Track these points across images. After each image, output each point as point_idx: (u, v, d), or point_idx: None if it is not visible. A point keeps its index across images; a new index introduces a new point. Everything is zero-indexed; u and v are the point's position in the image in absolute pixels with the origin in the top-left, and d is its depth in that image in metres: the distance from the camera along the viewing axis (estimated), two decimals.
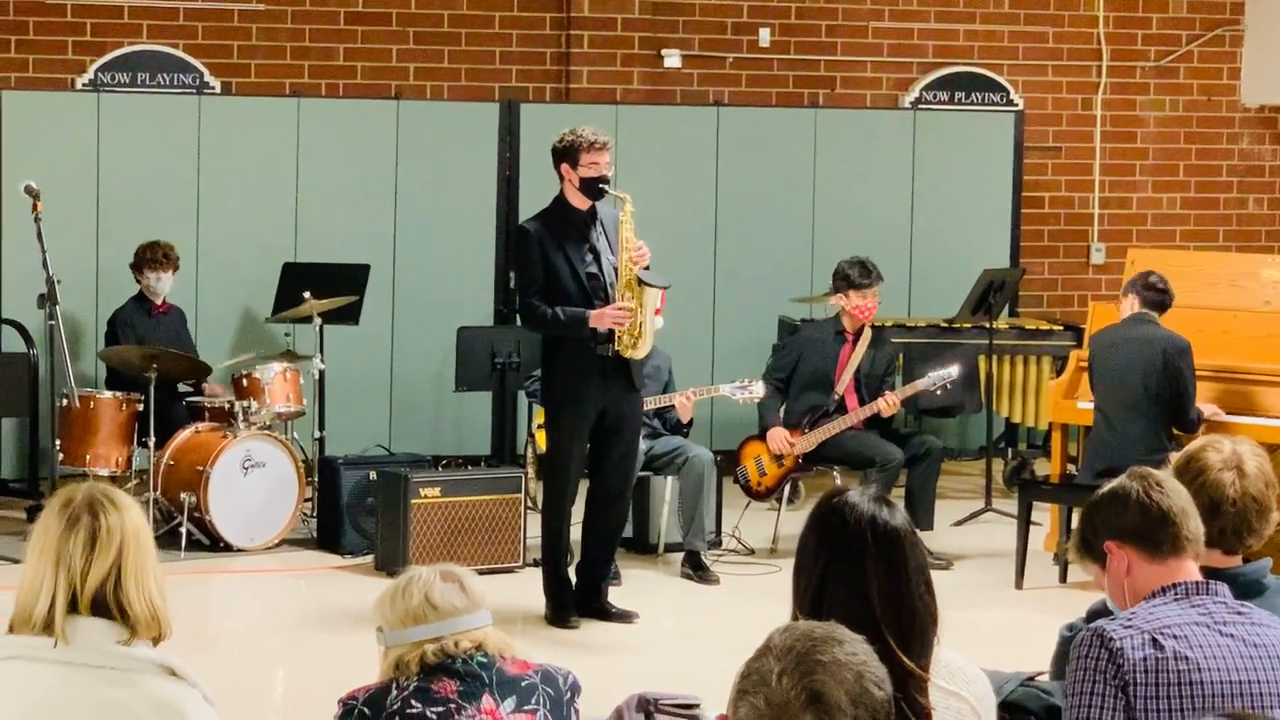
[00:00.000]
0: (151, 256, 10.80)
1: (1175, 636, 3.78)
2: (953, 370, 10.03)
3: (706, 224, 12.56)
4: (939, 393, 10.11)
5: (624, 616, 8.74)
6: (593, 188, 8.50)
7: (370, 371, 12.03)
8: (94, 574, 3.60)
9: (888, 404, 9.98)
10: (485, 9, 13.01)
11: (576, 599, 8.74)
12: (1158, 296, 9.37)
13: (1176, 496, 3.95)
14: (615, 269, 8.54)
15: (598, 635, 8.55)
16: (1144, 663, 3.75)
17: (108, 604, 3.60)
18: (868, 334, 10.24)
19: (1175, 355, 9.21)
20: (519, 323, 8.65)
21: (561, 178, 8.57)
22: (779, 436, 10.09)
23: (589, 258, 8.56)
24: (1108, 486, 4.01)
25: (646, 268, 8.54)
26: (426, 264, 12.13)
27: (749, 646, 2.86)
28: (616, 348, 8.48)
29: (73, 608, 3.60)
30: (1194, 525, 3.94)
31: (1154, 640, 3.78)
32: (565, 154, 8.52)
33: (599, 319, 8.45)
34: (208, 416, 10.35)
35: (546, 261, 8.51)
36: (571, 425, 8.59)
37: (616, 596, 8.89)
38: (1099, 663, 3.77)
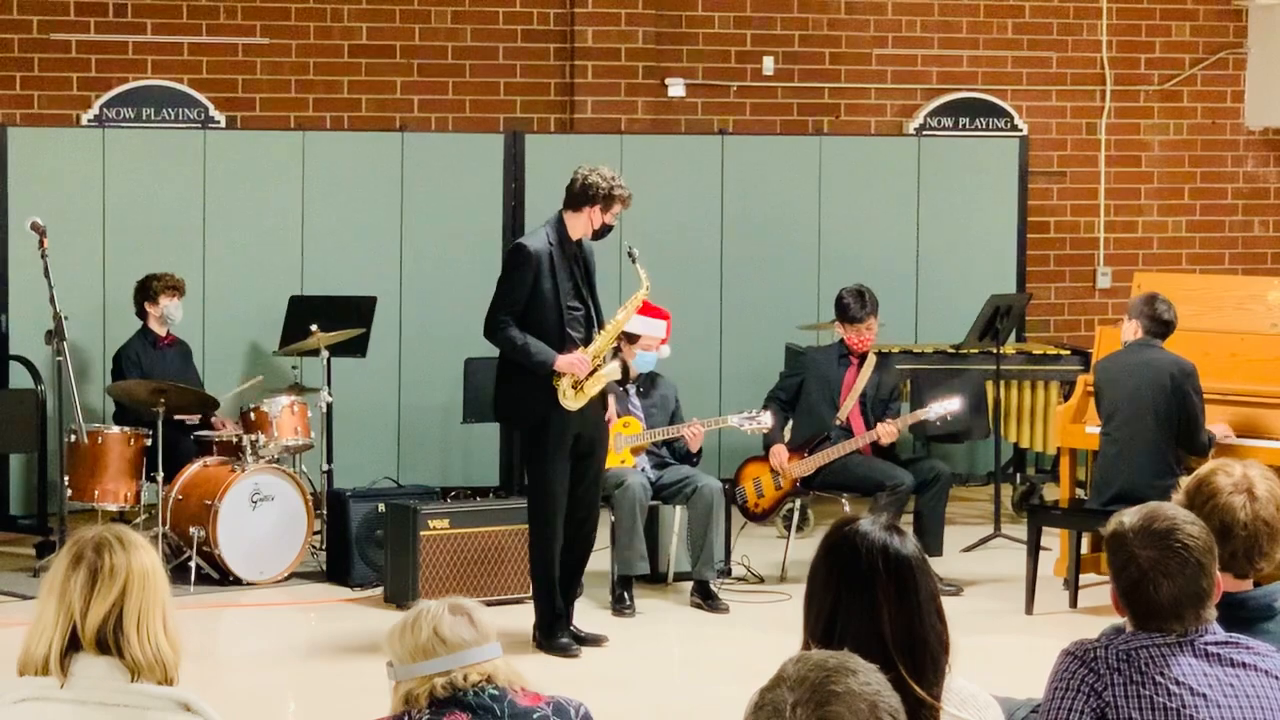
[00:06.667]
0: (171, 284, 10.80)
1: (1149, 656, 3.83)
2: (954, 403, 10.02)
3: (712, 252, 12.56)
4: (939, 424, 10.11)
5: (594, 640, 8.75)
6: (603, 233, 8.68)
7: (378, 404, 12.03)
8: (94, 612, 3.58)
9: (887, 433, 9.97)
10: (489, 40, 13.03)
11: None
12: (1161, 327, 9.32)
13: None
14: (598, 312, 8.64)
15: (608, 666, 8.53)
16: (1116, 662, 3.81)
17: (110, 643, 3.59)
18: (871, 359, 10.24)
19: (1183, 379, 9.18)
20: (484, 332, 8.66)
21: (578, 211, 8.59)
22: (779, 454, 10.09)
23: (569, 287, 8.60)
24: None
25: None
26: (433, 296, 12.12)
27: (759, 675, 2.86)
28: (554, 384, 8.50)
29: (77, 646, 3.58)
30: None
31: (1127, 655, 3.84)
32: (602, 199, 8.56)
33: (565, 365, 8.49)
34: (215, 450, 10.35)
35: (536, 286, 8.52)
36: (558, 442, 8.55)
37: (629, 625, 8.87)
38: (1073, 676, 3.82)
